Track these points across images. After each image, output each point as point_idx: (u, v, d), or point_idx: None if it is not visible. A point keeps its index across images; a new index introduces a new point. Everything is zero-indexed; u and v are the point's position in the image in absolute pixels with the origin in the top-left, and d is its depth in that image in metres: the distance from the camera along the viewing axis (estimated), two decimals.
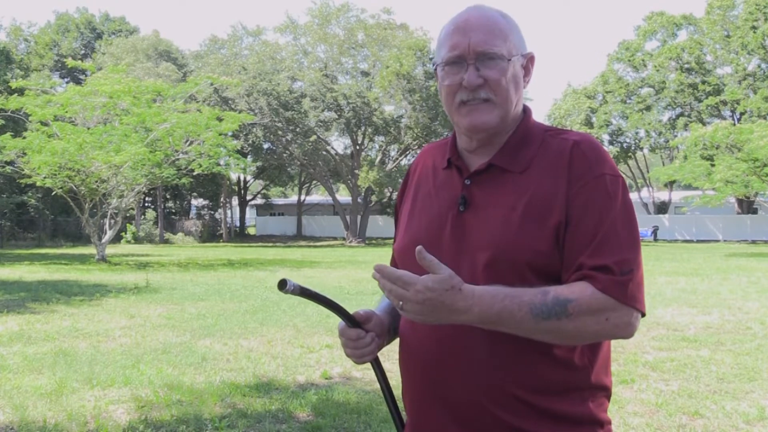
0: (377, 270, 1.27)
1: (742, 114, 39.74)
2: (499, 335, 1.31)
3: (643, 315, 1.33)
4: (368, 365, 1.54)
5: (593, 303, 1.27)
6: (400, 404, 1.56)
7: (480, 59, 1.39)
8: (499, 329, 1.29)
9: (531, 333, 1.29)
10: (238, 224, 50.15)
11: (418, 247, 1.25)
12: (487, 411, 1.35)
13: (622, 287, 1.28)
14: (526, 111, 1.49)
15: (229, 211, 47.22)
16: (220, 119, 22.28)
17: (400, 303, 1.26)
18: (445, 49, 1.43)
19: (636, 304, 1.30)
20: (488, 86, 1.39)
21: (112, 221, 22.94)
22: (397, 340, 1.60)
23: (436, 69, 1.48)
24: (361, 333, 1.47)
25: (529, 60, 1.47)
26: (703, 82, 41.26)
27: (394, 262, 1.61)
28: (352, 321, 1.48)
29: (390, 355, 1.59)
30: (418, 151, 1.71)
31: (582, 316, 1.26)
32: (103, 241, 21.99)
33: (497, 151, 1.43)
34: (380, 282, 1.27)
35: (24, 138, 20.43)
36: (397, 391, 1.52)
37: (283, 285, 1.34)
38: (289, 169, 45.57)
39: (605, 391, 1.43)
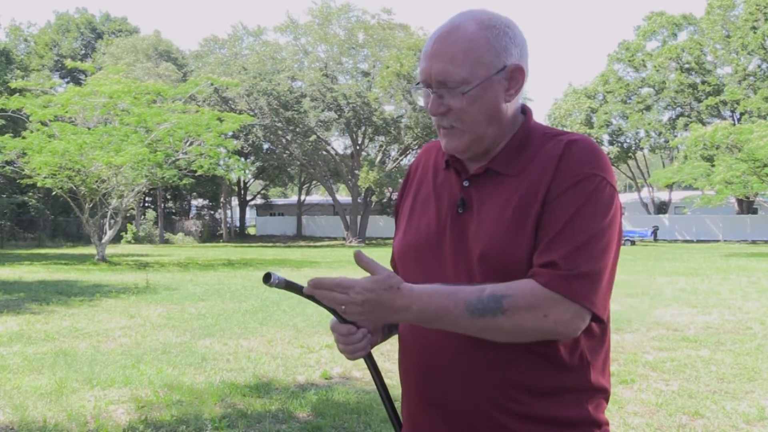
0: (312, 285, 1.26)
1: (742, 114, 39.75)
2: None
3: (597, 317, 1.29)
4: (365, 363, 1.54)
5: (531, 298, 1.24)
6: (398, 403, 1.56)
7: (440, 88, 1.37)
8: (441, 327, 1.30)
9: (470, 331, 1.28)
10: (238, 224, 50.17)
11: (356, 251, 1.26)
12: (482, 413, 1.35)
13: (566, 282, 1.24)
14: (526, 113, 1.46)
15: (229, 211, 47.23)
16: (220, 120, 22.29)
17: (342, 307, 1.26)
18: (418, 70, 1.43)
19: (582, 300, 1.25)
20: (453, 114, 1.38)
21: (112, 221, 22.95)
22: (393, 338, 1.60)
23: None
24: (352, 329, 1.46)
25: (511, 72, 1.37)
26: (703, 82, 41.29)
27: (393, 263, 1.61)
28: (342, 316, 1.47)
29: (390, 356, 1.59)
30: (419, 151, 1.66)
31: (518, 312, 1.24)
32: (103, 241, 21.99)
33: (496, 155, 1.42)
34: (317, 294, 1.26)
35: (24, 138, 20.43)
36: (396, 391, 1.52)
37: (268, 278, 1.32)
38: (289, 169, 45.58)
39: (604, 393, 1.42)
